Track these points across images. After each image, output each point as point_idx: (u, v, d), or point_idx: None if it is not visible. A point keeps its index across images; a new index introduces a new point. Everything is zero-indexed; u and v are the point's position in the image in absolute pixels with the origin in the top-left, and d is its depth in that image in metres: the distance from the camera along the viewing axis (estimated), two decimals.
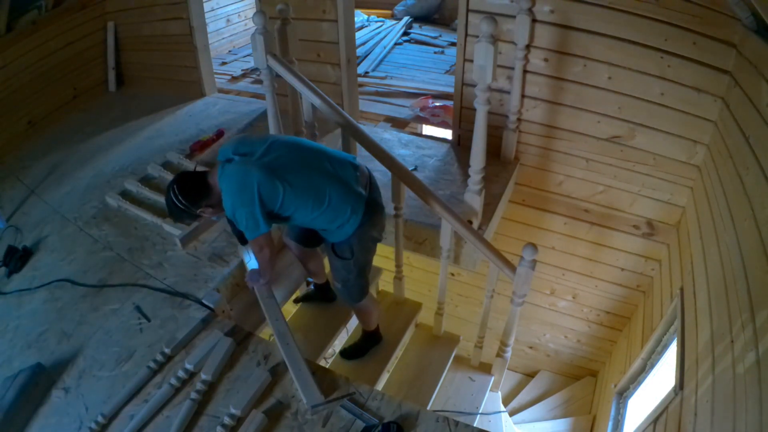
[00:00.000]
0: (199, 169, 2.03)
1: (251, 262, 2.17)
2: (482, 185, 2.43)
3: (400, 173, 2.26)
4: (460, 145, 3.25)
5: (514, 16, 2.60)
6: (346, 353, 2.61)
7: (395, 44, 5.57)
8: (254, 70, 4.92)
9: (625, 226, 3.14)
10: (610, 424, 2.92)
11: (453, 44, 5.20)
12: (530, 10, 2.56)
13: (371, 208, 1.97)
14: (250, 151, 1.83)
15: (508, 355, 2.72)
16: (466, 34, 2.84)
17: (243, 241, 2.13)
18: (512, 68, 2.76)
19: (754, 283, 1.61)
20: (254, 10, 3.43)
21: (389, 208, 2.54)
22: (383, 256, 3.34)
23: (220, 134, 3.44)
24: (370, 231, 2.03)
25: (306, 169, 1.87)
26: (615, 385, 3.09)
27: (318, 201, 1.86)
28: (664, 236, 3.06)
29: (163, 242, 2.50)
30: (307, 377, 1.77)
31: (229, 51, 5.74)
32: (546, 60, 2.72)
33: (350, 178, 1.93)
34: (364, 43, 5.39)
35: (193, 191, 1.85)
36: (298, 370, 1.79)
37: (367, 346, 2.60)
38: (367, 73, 4.75)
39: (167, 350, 1.91)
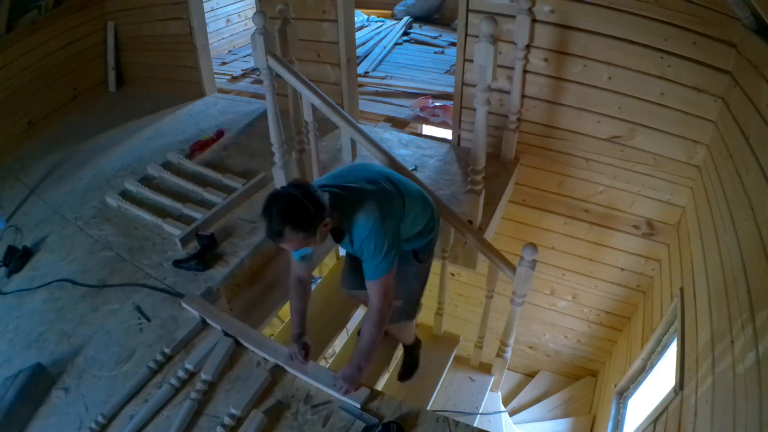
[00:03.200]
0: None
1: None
2: (482, 185, 2.43)
3: (400, 173, 2.26)
4: (460, 145, 3.25)
5: (514, 16, 2.60)
6: (405, 375, 2.56)
7: (395, 44, 5.56)
8: (254, 70, 4.92)
9: (625, 226, 3.14)
10: (610, 424, 2.92)
11: (453, 44, 5.19)
12: (530, 10, 2.56)
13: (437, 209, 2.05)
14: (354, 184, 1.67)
15: (508, 355, 2.72)
16: (466, 34, 2.84)
17: None
18: (512, 68, 2.76)
19: (754, 283, 1.61)
20: (254, 10, 3.43)
21: None
22: None
23: (220, 134, 3.44)
24: (439, 229, 2.08)
25: (396, 181, 1.83)
26: (615, 385, 3.09)
27: (418, 204, 1.84)
28: (664, 236, 3.06)
29: (163, 242, 2.50)
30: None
31: (229, 51, 5.74)
32: (546, 60, 2.72)
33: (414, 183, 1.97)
34: (364, 43, 5.39)
35: (319, 200, 1.54)
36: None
37: (417, 355, 2.57)
38: (367, 73, 4.75)
39: (167, 350, 1.91)
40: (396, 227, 1.69)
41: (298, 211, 1.48)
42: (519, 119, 2.96)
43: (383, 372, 2.57)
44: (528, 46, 2.68)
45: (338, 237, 1.72)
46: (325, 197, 1.57)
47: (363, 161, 1.92)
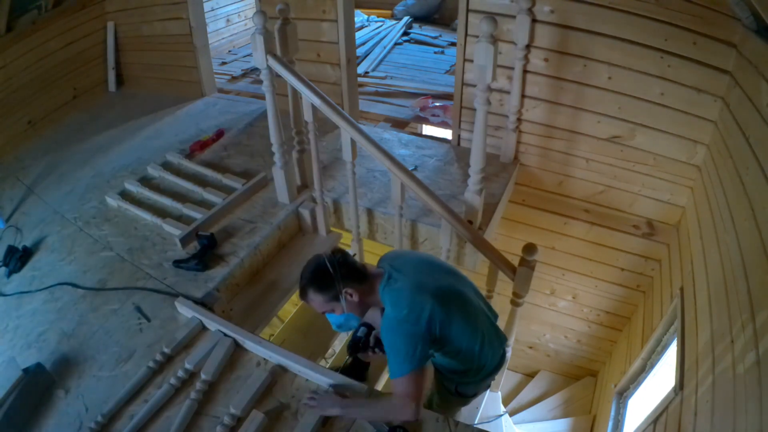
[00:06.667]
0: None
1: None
2: (482, 185, 2.43)
3: (400, 173, 2.26)
4: (460, 145, 3.25)
5: (514, 16, 2.60)
6: None
7: (395, 44, 5.57)
8: (254, 70, 4.92)
9: (625, 226, 3.14)
10: (610, 424, 2.92)
11: (453, 44, 5.20)
12: (530, 10, 2.56)
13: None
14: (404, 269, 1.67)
15: (508, 355, 2.72)
16: (466, 34, 2.84)
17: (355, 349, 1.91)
18: (512, 68, 2.76)
19: (754, 283, 1.61)
20: (254, 10, 3.43)
21: (390, 207, 2.54)
22: None
23: (219, 134, 3.44)
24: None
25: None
26: (615, 385, 3.09)
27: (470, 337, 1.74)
28: (664, 236, 3.06)
29: (163, 242, 2.50)
30: None
31: (229, 51, 5.74)
32: (546, 60, 2.72)
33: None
34: (364, 43, 5.39)
35: (351, 270, 1.64)
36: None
37: None
38: (367, 73, 4.75)
39: (167, 350, 1.91)
40: (419, 334, 1.56)
41: (321, 274, 1.61)
42: (519, 119, 2.96)
43: (383, 372, 2.57)
44: (528, 46, 2.68)
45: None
46: (370, 270, 1.70)
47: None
